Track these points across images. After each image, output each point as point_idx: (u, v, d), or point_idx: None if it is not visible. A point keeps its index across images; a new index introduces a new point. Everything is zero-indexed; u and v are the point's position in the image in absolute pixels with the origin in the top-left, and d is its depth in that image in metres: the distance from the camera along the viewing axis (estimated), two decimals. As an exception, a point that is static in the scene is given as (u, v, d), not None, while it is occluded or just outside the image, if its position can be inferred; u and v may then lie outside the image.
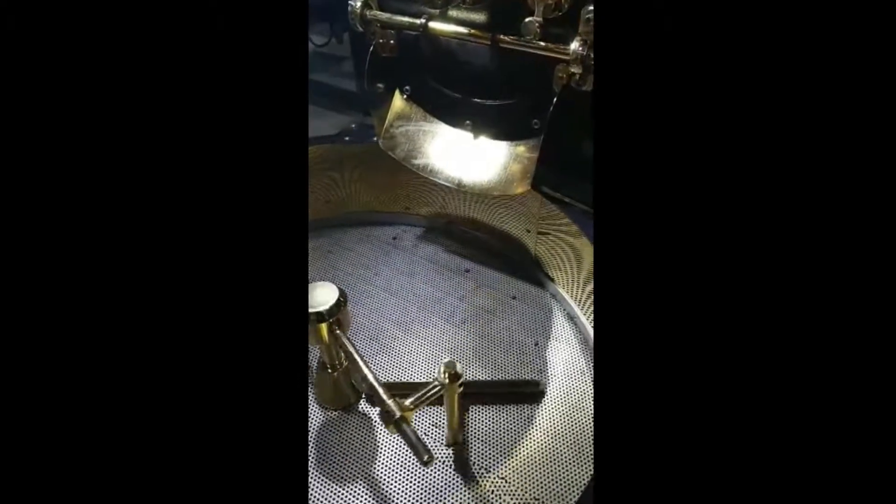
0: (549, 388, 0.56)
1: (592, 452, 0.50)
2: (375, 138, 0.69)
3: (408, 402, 0.43)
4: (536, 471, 0.49)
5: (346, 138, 0.71)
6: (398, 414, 0.42)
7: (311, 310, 0.47)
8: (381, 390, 0.43)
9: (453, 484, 0.48)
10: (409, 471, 0.49)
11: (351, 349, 0.48)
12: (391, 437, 0.52)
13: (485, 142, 0.62)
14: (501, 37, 0.52)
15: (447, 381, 0.45)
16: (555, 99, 0.53)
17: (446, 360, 0.45)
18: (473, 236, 0.75)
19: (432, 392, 0.45)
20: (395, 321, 0.64)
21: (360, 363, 0.47)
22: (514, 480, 0.49)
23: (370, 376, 0.45)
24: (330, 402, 0.55)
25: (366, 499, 0.47)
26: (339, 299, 0.48)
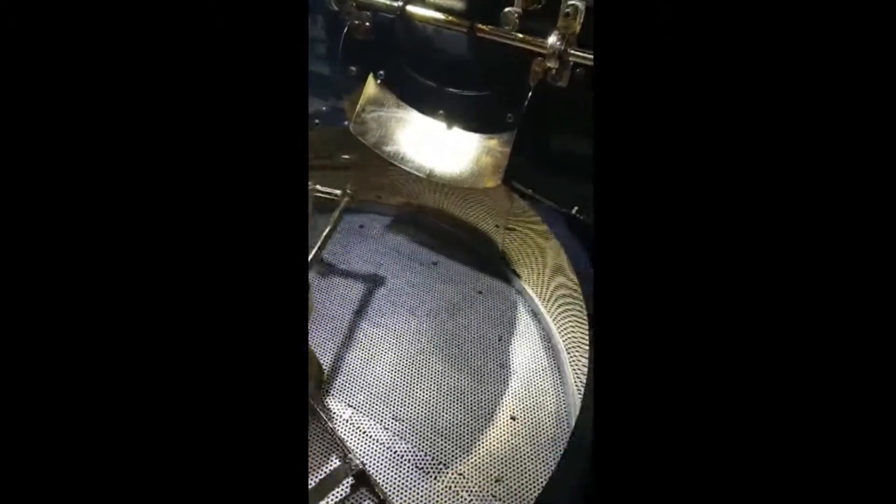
0: (510, 383, 0.56)
1: (551, 448, 0.50)
2: (346, 122, 0.68)
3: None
4: (495, 466, 0.49)
5: (317, 121, 0.69)
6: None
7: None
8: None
9: (411, 481, 0.48)
10: (372, 464, 0.48)
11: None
12: (351, 428, 0.51)
13: (457, 133, 0.61)
14: (480, 25, 0.51)
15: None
16: (529, 93, 0.53)
17: None
18: (442, 229, 0.74)
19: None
20: (358, 311, 0.63)
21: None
22: (471, 476, 0.48)
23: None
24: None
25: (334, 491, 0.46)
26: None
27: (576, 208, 0.57)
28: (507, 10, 0.48)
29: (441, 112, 0.61)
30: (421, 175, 0.62)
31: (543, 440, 0.51)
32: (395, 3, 0.54)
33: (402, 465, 0.49)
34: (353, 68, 0.64)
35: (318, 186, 0.65)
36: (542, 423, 0.53)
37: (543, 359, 0.59)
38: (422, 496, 0.47)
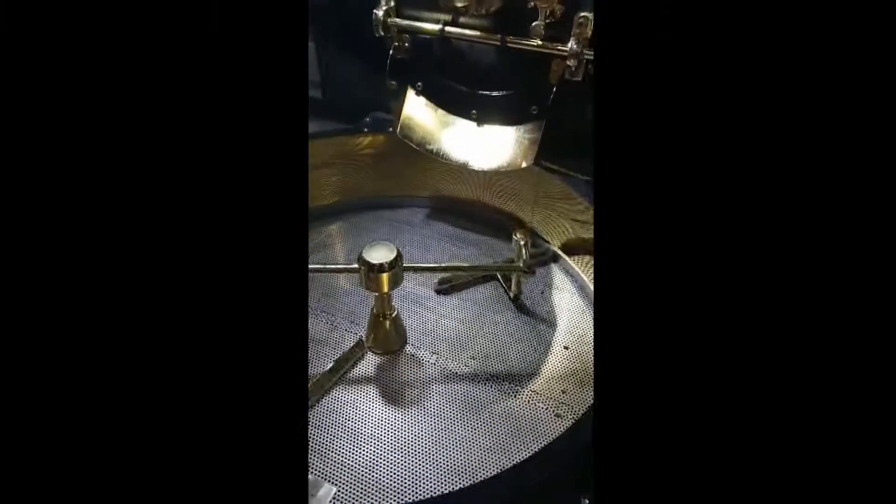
0: (559, 322, 0.69)
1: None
2: (391, 129, 0.80)
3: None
4: (559, 383, 0.61)
5: (366, 129, 0.81)
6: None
7: (374, 261, 0.57)
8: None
9: (497, 399, 0.59)
10: (451, 395, 0.60)
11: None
12: (438, 371, 0.63)
13: (489, 128, 0.73)
14: (510, 38, 0.64)
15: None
16: (554, 88, 0.66)
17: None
18: (480, 214, 0.86)
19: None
20: (406, 294, 0.74)
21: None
22: (543, 391, 0.60)
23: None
24: (381, 347, 0.65)
25: (424, 423, 0.58)
26: (397, 255, 0.58)
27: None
28: (534, 24, 0.62)
29: (473, 112, 0.74)
30: (462, 166, 0.75)
31: (589, 362, 0.63)
32: (437, 27, 0.67)
33: (487, 390, 0.61)
34: (394, 82, 0.77)
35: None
36: (586, 350, 0.65)
37: (580, 300, 0.72)
38: (509, 409, 0.59)
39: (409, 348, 0.66)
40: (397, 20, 0.70)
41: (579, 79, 0.64)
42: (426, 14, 0.69)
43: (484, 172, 0.77)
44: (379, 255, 0.57)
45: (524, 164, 0.71)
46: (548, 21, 0.62)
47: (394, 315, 0.64)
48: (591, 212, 0.70)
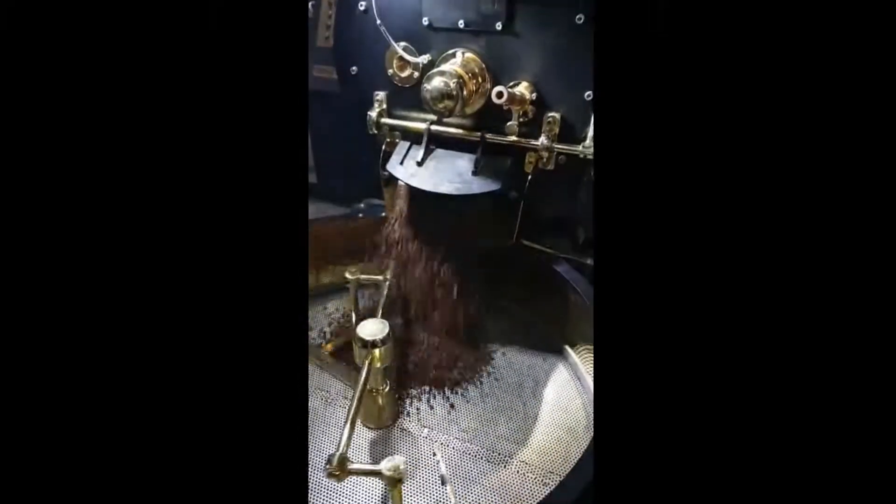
0: (545, 395, 0.71)
1: (586, 439, 0.65)
2: (383, 213, 0.86)
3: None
4: (548, 456, 0.63)
5: (360, 215, 0.88)
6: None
7: (366, 338, 0.61)
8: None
9: (485, 471, 0.61)
10: (452, 463, 0.62)
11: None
12: (430, 441, 0.65)
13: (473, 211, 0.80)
14: (489, 135, 0.72)
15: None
16: (529, 176, 0.73)
17: None
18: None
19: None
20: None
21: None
22: (533, 463, 0.62)
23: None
24: (373, 422, 0.67)
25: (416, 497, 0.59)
26: (388, 333, 0.62)
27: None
28: (509, 123, 0.70)
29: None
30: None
31: (577, 431, 0.66)
32: (423, 125, 0.75)
33: (475, 461, 0.63)
34: (386, 173, 0.84)
35: (362, 276, 0.79)
36: (576, 423, 0.68)
37: (565, 373, 0.75)
38: (499, 480, 0.60)
39: (400, 422, 0.68)
40: (389, 120, 0.79)
41: (551, 167, 0.72)
42: (414, 114, 0.77)
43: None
44: (371, 331, 0.62)
45: (505, 243, 0.77)
46: (521, 120, 0.70)
47: (386, 390, 0.67)
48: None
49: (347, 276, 0.79)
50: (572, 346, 0.77)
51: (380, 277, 0.79)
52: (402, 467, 0.47)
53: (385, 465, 0.47)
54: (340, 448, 0.49)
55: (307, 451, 0.61)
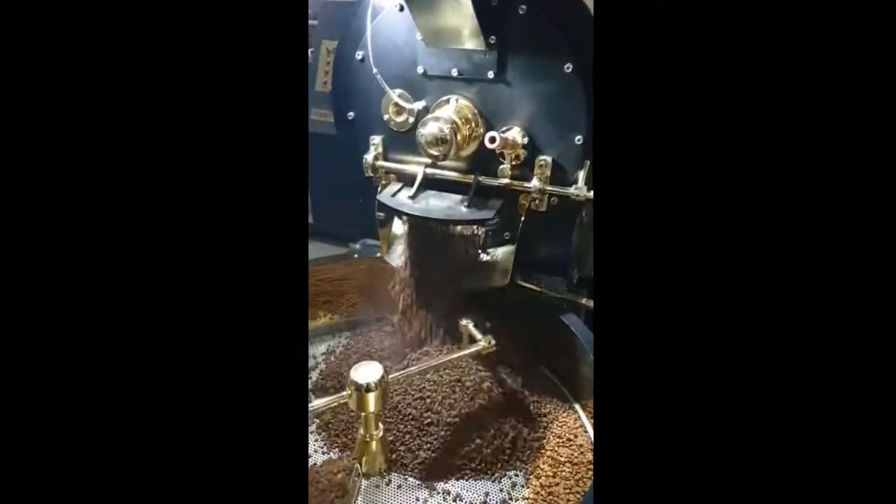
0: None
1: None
2: (378, 254, 0.87)
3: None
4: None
5: (356, 255, 0.89)
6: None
7: (360, 381, 0.60)
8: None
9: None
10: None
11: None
12: (423, 497, 0.63)
13: (468, 252, 0.80)
14: (482, 178, 0.74)
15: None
16: (523, 218, 0.74)
17: None
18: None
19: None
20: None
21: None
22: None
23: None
24: (367, 468, 0.66)
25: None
26: (382, 375, 0.61)
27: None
28: (501, 167, 0.72)
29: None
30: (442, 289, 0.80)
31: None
32: (418, 169, 0.77)
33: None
34: (382, 214, 0.85)
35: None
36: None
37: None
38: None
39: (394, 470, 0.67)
40: (384, 163, 0.80)
41: (544, 209, 0.73)
42: (409, 158, 0.79)
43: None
44: (365, 374, 0.61)
45: (500, 284, 0.77)
46: (514, 163, 0.72)
47: (380, 435, 0.66)
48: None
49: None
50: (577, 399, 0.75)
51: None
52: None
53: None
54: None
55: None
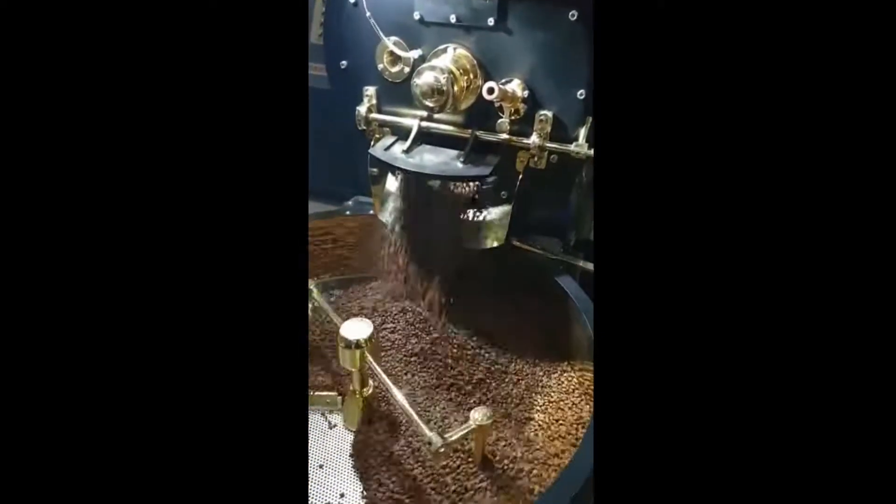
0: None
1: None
2: (371, 211, 0.85)
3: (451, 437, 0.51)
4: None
5: (348, 212, 0.86)
6: (440, 443, 0.50)
7: (350, 338, 0.59)
8: (416, 418, 0.54)
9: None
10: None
11: (383, 377, 0.59)
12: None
13: (463, 211, 0.78)
14: (479, 132, 0.71)
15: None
16: (520, 176, 0.72)
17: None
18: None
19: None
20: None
21: (394, 390, 0.58)
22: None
23: (405, 403, 0.57)
24: (353, 424, 0.65)
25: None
26: (372, 332, 0.60)
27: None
28: (500, 121, 0.69)
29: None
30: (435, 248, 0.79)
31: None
32: (412, 122, 0.74)
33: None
34: (375, 170, 0.83)
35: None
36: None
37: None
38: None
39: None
40: (378, 115, 0.77)
41: (542, 167, 0.70)
42: (404, 110, 0.76)
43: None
44: (355, 331, 0.60)
45: (496, 244, 0.76)
46: (513, 118, 0.69)
47: (369, 392, 0.65)
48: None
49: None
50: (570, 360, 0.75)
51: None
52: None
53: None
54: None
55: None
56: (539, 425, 0.65)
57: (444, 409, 0.65)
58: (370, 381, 0.65)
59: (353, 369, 0.62)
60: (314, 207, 0.92)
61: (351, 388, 0.64)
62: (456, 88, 0.65)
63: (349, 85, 0.78)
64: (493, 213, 0.77)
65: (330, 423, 0.67)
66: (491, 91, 0.62)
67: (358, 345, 0.59)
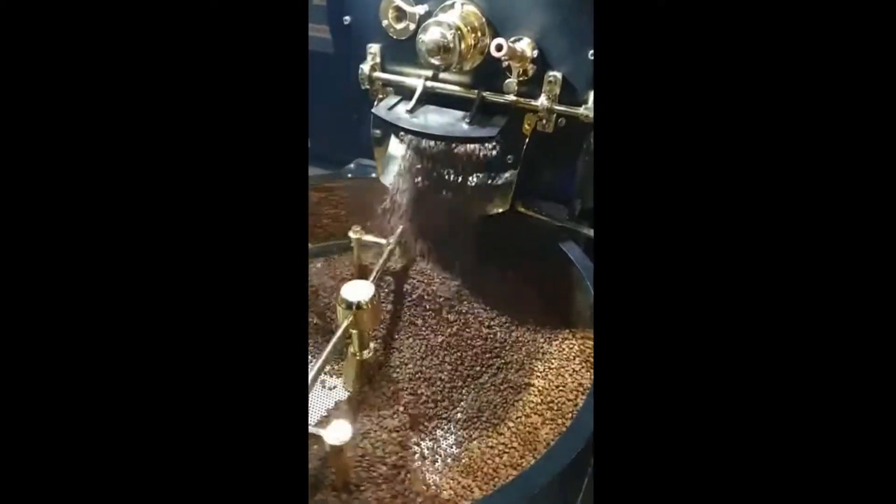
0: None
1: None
2: (374, 174, 0.83)
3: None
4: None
5: (349, 175, 0.85)
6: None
7: (350, 299, 0.58)
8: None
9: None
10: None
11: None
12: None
13: (467, 174, 0.77)
14: (486, 93, 0.69)
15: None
16: (527, 140, 0.70)
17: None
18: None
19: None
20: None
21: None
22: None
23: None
24: (353, 386, 0.65)
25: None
26: (373, 294, 0.59)
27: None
28: (507, 81, 0.67)
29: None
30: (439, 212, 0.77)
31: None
32: (418, 81, 0.72)
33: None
34: (378, 131, 0.81)
35: (364, 237, 0.77)
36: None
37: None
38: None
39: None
40: (381, 74, 0.75)
41: (550, 131, 0.69)
42: (408, 69, 0.73)
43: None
44: (357, 292, 0.59)
45: (500, 209, 0.74)
46: (521, 79, 0.67)
47: (371, 354, 0.65)
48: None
49: (351, 234, 0.77)
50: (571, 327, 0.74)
51: (383, 240, 0.76)
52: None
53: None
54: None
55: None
56: (539, 391, 0.65)
57: (450, 372, 0.65)
58: (370, 344, 0.64)
59: (353, 331, 0.61)
60: (313, 170, 0.91)
61: (350, 349, 0.64)
62: (463, 46, 0.63)
63: (352, 43, 0.76)
64: (499, 177, 0.75)
65: (328, 385, 0.67)
66: (500, 48, 0.59)
67: (358, 306, 0.59)
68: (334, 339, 0.57)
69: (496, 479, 0.55)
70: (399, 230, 0.76)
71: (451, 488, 0.54)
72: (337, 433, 0.47)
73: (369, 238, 0.77)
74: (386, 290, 0.76)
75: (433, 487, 0.54)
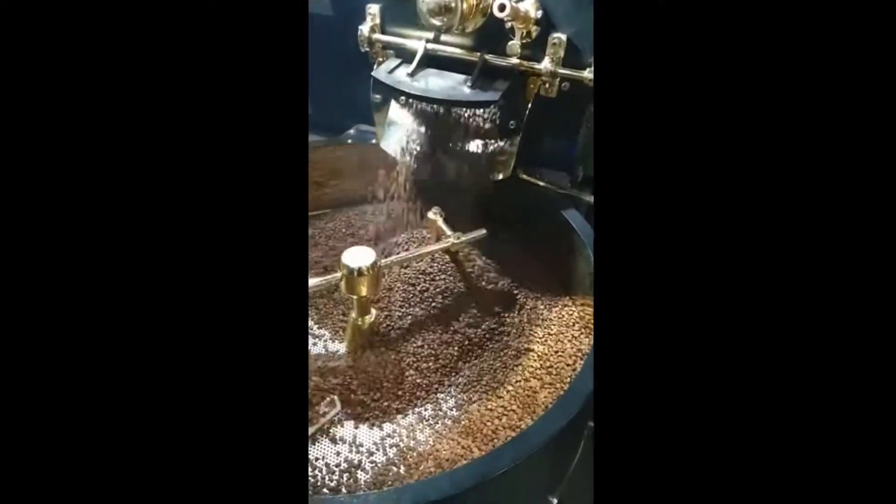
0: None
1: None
2: (373, 140, 0.82)
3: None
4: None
5: (349, 140, 0.84)
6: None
7: (352, 265, 0.58)
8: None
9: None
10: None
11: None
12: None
13: (469, 140, 0.76)
14: (488, 56, 0.67)
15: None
16: (529, 104, 0.69)
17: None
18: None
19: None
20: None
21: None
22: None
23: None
24: (348, 348, 0.66)
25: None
26: (375, 260, 0.60)
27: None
28: (510, 43, 0.65)
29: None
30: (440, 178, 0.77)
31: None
32: (419, 43, 0.70)
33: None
34: (378, 96, 0.79)
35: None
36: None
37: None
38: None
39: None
40: (381, 36, 0.73)
41: (553, 96, 0.67)
42: (409, 31, 0.72)
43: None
44: (358, 258, 0.59)
45: (501, 176, 0.74)
46: (524, 41, 0.65)
47: (372, 319, 0.65)
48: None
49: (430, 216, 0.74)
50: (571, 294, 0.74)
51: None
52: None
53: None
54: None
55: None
56: (538, 356, 0.66)
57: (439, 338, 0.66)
58: (372, 310, 0.65)
59: (355, 296, 0.62)
60: (312, 136, 0.90)
61: (352, 315, 0.64)
62: (465, 6, 0.61)
63: (351, 4, 0.74)
64: (501, 143, 0.74)
65: (330, 350, 0.68)
66: (503, 8, 0.58)
67: (360, 272, 0.59)
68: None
69: (495, 441, 0.56)
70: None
71: (450, 449, 0.55)
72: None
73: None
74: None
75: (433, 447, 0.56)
